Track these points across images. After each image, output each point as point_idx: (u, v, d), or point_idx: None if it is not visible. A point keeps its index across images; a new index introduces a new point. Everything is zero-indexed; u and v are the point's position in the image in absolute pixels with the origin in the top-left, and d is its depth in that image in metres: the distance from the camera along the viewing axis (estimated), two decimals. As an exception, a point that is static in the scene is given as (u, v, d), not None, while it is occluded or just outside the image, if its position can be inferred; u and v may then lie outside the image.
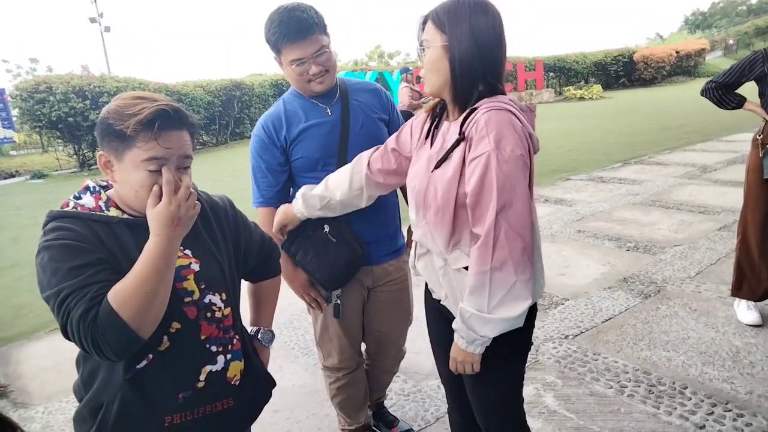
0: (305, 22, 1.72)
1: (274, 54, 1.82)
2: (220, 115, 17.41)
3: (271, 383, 1.48)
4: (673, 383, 2.53)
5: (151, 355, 1.19)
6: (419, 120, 1.56)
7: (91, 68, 20.30)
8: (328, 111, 1.88)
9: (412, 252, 1.65)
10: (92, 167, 14.81)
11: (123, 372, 1.17)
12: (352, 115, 1.91)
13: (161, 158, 1.14)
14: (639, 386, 2.53)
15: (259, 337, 1.51)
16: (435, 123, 1.48)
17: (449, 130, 1.39)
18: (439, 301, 1.55)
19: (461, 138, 1.31)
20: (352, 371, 2.10)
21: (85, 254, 1.11)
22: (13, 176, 14.54)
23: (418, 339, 3.19)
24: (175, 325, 1.20)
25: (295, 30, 1.72)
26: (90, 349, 1.06)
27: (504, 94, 1.37)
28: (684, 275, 3.80)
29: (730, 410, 2.31)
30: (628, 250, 4.42)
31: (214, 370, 1.27)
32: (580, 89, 23.61)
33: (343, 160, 1.87)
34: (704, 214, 5.20)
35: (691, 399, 2.40)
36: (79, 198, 1.22)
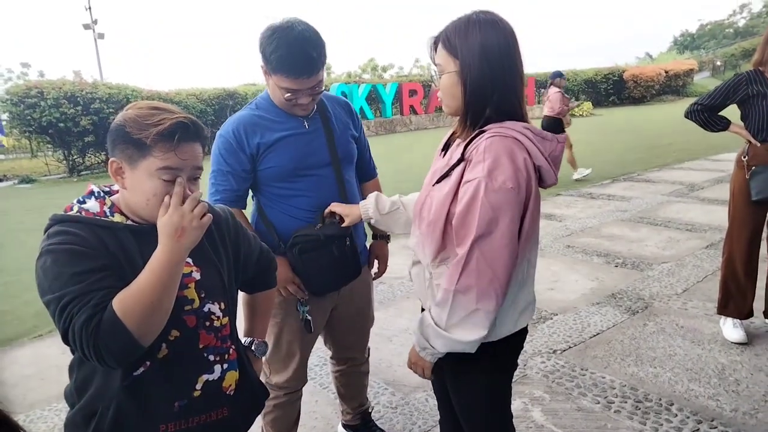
0: (313, 62, 1.67)
1: (263, 65, 1.74)
2: (213, 123, 17.38)
3: (265, 394, 1.48)
4: (660, 399, 2.54)
5: (149, 362, 1.18)
6: (447, 134, 1.57)
7: (83, 74, 20.18)
8: (305, 124, 1.85)
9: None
10: (82, 173, 14.71)
11: (120, 379, 1.16)
12: (333, 127, 1.91)
13: (176, 169, 1.15)
14: (626, 402, 2.54)
15: (253, 348, 1.51)
16: (451, 137, 1.49)
17: (457, 148, 1.40)
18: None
19: (461, 159, 1.32)
20: (295, 392, 2.07)
21: (89, 260, 1.10)
22: (1, 181, 14.39)
23: (406, 352, 3.18)
24: (174, 332, 1.20)
25: (300, 69, 1.67)
26: (90, 356, 1.06)
27: (520, 118, 1.35)
28: (671, 292, 3.83)
29: (715, 427, 2.32)
30: (616, 266, 4.46)
31: (210, 379, 1.27)
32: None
33: (336, 165, 1.88)
34: (691, 232, 5.26)
35: (677, 415, 2.42)
36: (84, 202, 1.22)
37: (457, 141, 1.42)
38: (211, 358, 1.27)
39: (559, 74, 8.21)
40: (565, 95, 8.14)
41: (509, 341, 1.44)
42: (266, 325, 1.64)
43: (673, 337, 3.16)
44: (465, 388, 1.50)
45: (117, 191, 1.26)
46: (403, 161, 11.36)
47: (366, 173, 2.15)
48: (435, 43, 1.39)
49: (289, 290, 1.87)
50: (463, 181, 1.30)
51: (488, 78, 1.30)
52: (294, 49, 1.64)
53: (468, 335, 1.30)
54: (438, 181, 1.39)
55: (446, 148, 1.49)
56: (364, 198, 1.90)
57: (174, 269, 1.11)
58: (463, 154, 1.33)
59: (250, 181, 1.87)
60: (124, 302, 1.06)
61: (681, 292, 3.82)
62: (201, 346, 1.25)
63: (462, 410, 1.56)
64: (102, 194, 1.23)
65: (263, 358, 2.00)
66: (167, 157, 1.14)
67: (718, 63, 39.03)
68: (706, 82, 31.30)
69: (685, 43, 58.08)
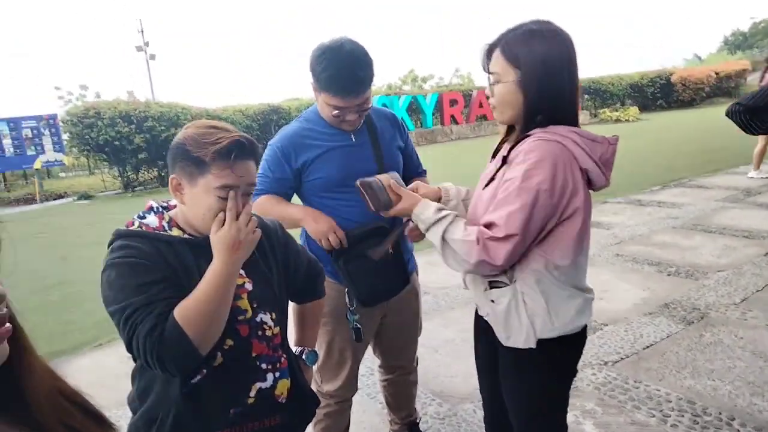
0: (361, 83, 1.72)
1: (313, 82, 1.80)
2: (258, 138, 17.81)
3: (316, 402, 1.52)
4: (720, 414, 2.45)
5: (205, 371, 1.23)
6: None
7: (136, 94, 21.11)
8: (352, 137, 1.90)
9: None
10: (135, 189, 15.33)
11: (179, 386, 1.22)
12: (380, 139, 1.95)
13: (232, 186, 1.21)
14: (683, 416, 2.46)
15: (303, 357, 1.55)
16: (500, 144, 1.53)
17: (506, 152, 1.43)
18: (483, 317, 1.57)
19: (503, 162, 1.37)
20: (345, 400, 2.10)
21: (150, 272, 1.17)
22: (61, 197, 15.17)
23: (454, 363, 3.18)
24: (229, 342, 1.25)
25: (349, 89, 1.72)
26: (153, 364, 1.12)
27: (572, 123, 1.37)
28: (729, 302, 3.68)
29: (781, 443, 2.21)
30: (668, 275, 4.31)
31: (263, 387, 1.31)
32: (616, 111, 23.26)
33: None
34: (749, 239, 5.03)
35: (739, 431, 2.32)
36: (144, 218, 1.29)
37: (505, 146, 1.46)
38: (264, 366, 1.31)
39: None
40: None
41: (565, 342, 1.43)
42: (316, 334, 1.68)
43: (732, 348, 3.04)
44: (518, 387, 1.51)
45: (174, 206, 1.33)
46: (448, 171, 11.33)
47: (414, 174, 2.16)
48: (489, 52, 1.40)
49: (330, 241, 1.82)
50: (502, 180, 1.34)
51: (547, 89, 1.33)
52: (343, 70, 1.69)
53: (456, 248, 1.36)
54: (485, 186, 1.43)
55: (495, 154, 1.53)
56: None
57: (230, 280, 1.17)
58: (505, 156, 1.37)
59: (292, 191, 1.94)
60: (185, 312, 1.12)
61: (739, 302, 3.66)
62: (254, 355, 1.30)
63: (513, 412, 1.56)
64: (161, 209, 1.31)
65: (314, 367, 2.05)
66: (224, 174, 1.19)
67: (773, 62, 37.22)
68: (761, 83, 29.89)
69: (737, 43, 55.71)
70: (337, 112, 1.79)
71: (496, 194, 1.35)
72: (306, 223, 1.86)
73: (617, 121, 22.11)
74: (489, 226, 1.32)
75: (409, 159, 2.11)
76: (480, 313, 1.60)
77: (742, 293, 3.81)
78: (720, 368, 2.84)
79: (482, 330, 1.63)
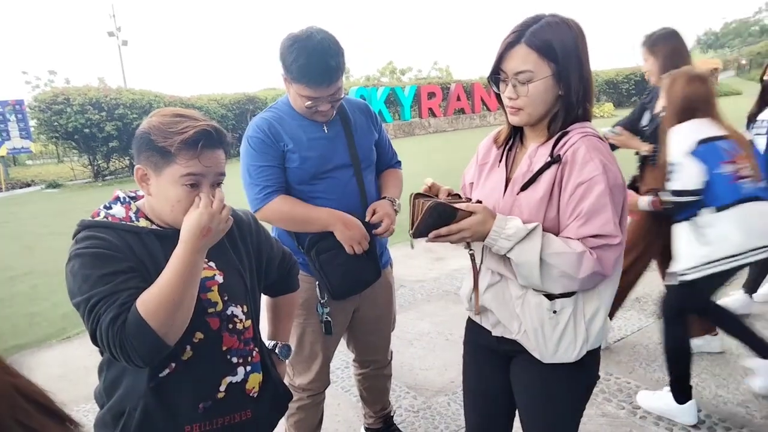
0: (332, 71, 1.70)
1: (283, 74, 1.78)
2: (233, 128, 17.60)
3: (288, 396, 1.50)
4: (687, 405, 2.50)
5: (173, 364, 1.21)
6: (485, 145, 1.52)
7: (107, 81, 20.57)
8: (325, 129, 1.87)
9: (468, 285, 1.52)
10: (106, 178, 15.00)
11: (147, 380, 1.19)
12: (353, 131, 1.93)
13: (199, 175, 1.18)
14: (652, 408, 2.50)
15: (276, 351, 1.53)
16: (508, 147, 1.44)
17: (536, 153, 1.34)
18: (498, 337, 1.46)
19: (554, 160, 1.28)
20: (318, 394, 2.09)
21: (115, 262, 1.13)
22: (28, 185, 14.76)
23: (428, 355, 3.18)
24: (198, 335, 1.23)
25: (320, 78, 1.70)
26: (118, 355, 1.09)
27: (590, 117, 1.36)
28: (697, 296, 3.76)
29: (745, 434, 2.27)
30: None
31: (234, 381, 1.29)
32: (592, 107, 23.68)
33: (357, 168, 1.90)
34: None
35: (704, 422, 2.37)
36: (110, 208, 1.25)
37: (532, 146, 1.36)
38: (235, 360, 1.29)
39: None
40: None
41: (597, 353, 1.43)
42: (289, 328, 1.66)
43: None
44: (555, 398, 1.44)
45: (142, 196, 1.29)
46: (425, 165, 11.34)
47: (387, 166, 2.14)
48: (503, 52, 1.30)
49: (361, 246, 1.84)
50: (575, 182, 1.25)
51: (584, 79, 1.30)
52: (314, 60, 1.67)
53: (551, 281, 1.26)
54: (524, 188, 1.32)
55: (503, 159, 1.43)
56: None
57: (195, 267, 1.13)
58: (552, 156, 1.29)
59: (284, 176, 1.86)
60: (146, 302, 1.08)
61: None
62: (224, 348, 1.27)
63: (540, 422, 1.49)
64: (127, 200, 1.27)
65: (287, 361, 2.03)
66: (191, 164, 1.16)
67: (744, 62, 38.24)
68: (731, 82, 30.70)
69: (709, 42, 57.03)
70: (309, 102, 1.76)
71: (549, 194, 1.28)
72: (336, 228, 1.82)
73: (593, 116, 22.48)
74: (593, 237, 1.24)
75: (383, 150, 2.09)
76: (501, 333, 1.45)
77: (709, 287, 3.89)
78: (688, 361, 2.90)
79: (485, 348, 1.53)
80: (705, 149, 2.21)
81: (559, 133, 1.31)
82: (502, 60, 1.31)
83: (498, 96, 1.38)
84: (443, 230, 1.29)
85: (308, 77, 1.69)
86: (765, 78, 3.30)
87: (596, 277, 1.25)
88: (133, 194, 1.31)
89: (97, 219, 1.22)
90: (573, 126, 1.31)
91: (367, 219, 1.88)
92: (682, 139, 2.25)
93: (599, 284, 1.33)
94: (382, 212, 1.89)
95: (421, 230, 1.29)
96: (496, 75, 1.33)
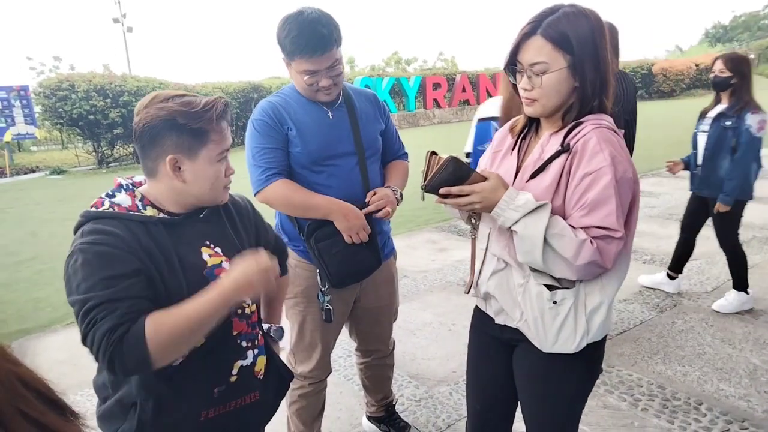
0: (325, 39, 1.70)
1: (283, 57, 1.79)
2: (238, 116, 17.59)
3: (290, 376, 1.52)
4: (688, 398, 2.50)
5: (187, 352, 1.19)
6: (501, 133, 1.52)
7: (112, 67, 20.54)
8: (330, 114, 1.87)
9: (476, 273, 1.51)
10: (110, 164, 15.01)
11: (160, 370, 1.15)
12: (359, 118, 1.92)
13: (226, 149, 1.21)
14: (653, 400, 2.51)
15: (271, 333, 1.54)
16: (523, 135, 1.44)
17: (549, 141, 1.34)
18: (502, 325, 1.47)
19: (564, 149, 1.27)
20: (319, 382, 2.09)
21: (119, 264, 1.08)
22: (33, 171, 14.78)
23: (430, 346, 3.19)
24: None
25: (313, 46, 1.69)
26: (102, 363, 1.06)
27: (608, 110, 1.34)
28: (701, 290, 3.76)
29: (746, 428, 2.28)
30: (644, 263, 4.39)
31: (244, 364, 1.30)
32: (598, 100, 23.53)
33: (361, 156, 1.89)
34: (722, 229, 5.13)
35: (706, 415, 2.37)
36: (113, 196, 1.20)
37: (545, 135, 1.36)
38: (244, 344, 1.30)
39: None
40: None
41: (601, 346, 1.43)
42: (281, 311, 1.66)
43: (702, 335, 3.11)
44: (553, 393, 1.45)
45: (140, 183, 1.26)
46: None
47: (396, 157, 2.12)
48: (519, 43, 1.29)
49: (359, 236, 1.83)
50: (582, 172, 1.25)
51: (601, 70, 1.28)
52: (305, 29, 1.68)
53: (558, 248, 1.24)
54: (533, 176, 1.33)
55: (516, 148, 1.43)
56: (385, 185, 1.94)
57: (221, 313, 1.12)
58: (563, 145, 1.28)
59: (288, 159, 1.85)
60: (158, 327, 1.05)
61: (711, 290, 3.74)
62: (234, 333, 1.28)
63: (541, 417, 1.50)
64: (131, 187, 1.23)
65: (287, 348, 2.03)
66: (222, 138, 1.19)
67: (752, 56, 37.85)
68: (738, 76, 30.39)
69: (718, 36, 56.46)
70: (308, 77, 1.75)
71: (557, 182, 1.28)
72: (335, 218, 1.81)
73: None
74: (592, 227, 1.24)
75: (389, 141, 2.07)
76: (503, 321, 1.46)
77: (714, 282, 3.89)
78: (690, 354, 2.90)
79: (490, 336, 1.54)
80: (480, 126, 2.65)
81: (573, 123, 1.30)
82: (518, 51, 1.30)
83: (515, 86, 1.37)
84: (455, 189, 1.29)
85: (301, 47, 1.70)
86: (711, 75, 3.25)
87: (594, 267, 1.25)
88: (132, 181, 1.26)
89: (101, 210, 1.16)
90: (587, 117, 1.30)
91: (366, 200, 1.87)
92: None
93: (603, 278, 1.32)
94: (381, 194, 1.88)
95: (434, 184, 1.29)
96: (513, 65, 1.33)
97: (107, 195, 1.20)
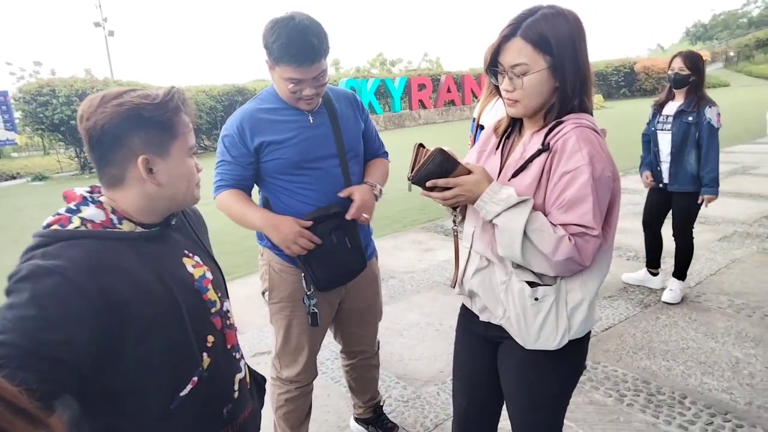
0: (315, 49, 1.66)
1: (268, 60, 1.75)
2: (222, 119, 17.49)
3: (262, 377, 1.46)
4: (673, 393, 2.53)
5: (195, 378, 1.10)
6: (485, 134, 1.54)
7: (94, 72, 20.30)
8: (310, 119, 1.84)
9: (460, 271, 1.52)
10: (92, 170, 14.80)
11: (162, 405, 1.06)
12: (339, 121, 1.90)
13: (195, 143, 1.13)
14: (638, 395, 2.53)
15: None
16: (506, 135, 1.45)
17: (530, 140, 1.36)
18: (486, 323, 1.48)
19: (544, 148, 1.29)
20: (306, 385, 2.08)
21: (67, 327, 0.88)
22: (14, 178, 14.58)
23: (417, 346, 3.19)
24: (210, 338, 1.15)
25: (302, 56, 1.66)
26: None
27: (590, 109, 1.35)
28: (683, 285, 3.80)
29: (729, 420, 2.31)
30: (628, 260, 4.43)
31: (240, 377, 1.24)
32: (581, 99, 23.77)
33: (342, 159, 1.88)
34: (704, 225, 5.20)
35: (690, 409, 2.40)
36: (79, 211, 1.01)
37: (527, 134, 1.38)
38: (237, 356, 1.24)
39: None
40: None
41: (584, 342, 1.44)
42: None
43: (686, 330, 3.14)
44: (537, 389, 1.46)
45: (99, 190, 1.09)
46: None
47: (374, 156, 2.11)
48: (499, 44, 1.30)
49: (300, 245, 1.76)
50: (559, 172, 1.26)
51: (580, 70, 1.29)
52: (295, 38, 1.64)
53: (537, 242, 1.25)
54: (515, 175, 1.34)
55: (500, 148, 1.45)
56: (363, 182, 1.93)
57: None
58: (544, 144, 1.29)
59: (253, 170, 1.86)
60: None
61: (694, 285, 3.79)
62: (229, 346, 1.21)
63: (524, 412, 1.51)
64: (96, 198, 1.05)
65: (273, 353, 2.02)
66: (189, 129, 1.09)
67: (732, 54, 38.51)
68: (719, 73, 30.92)
69: (698, 34, 57.32)
70: (293, 86, 1.72)
71: (537, 181, 1.29)
72: (267, 232, 1.80)
73: (582, 108, 22.56)
74: (570, 224, 1.25)
75: (369, 140, 2.06)
76: (484, 318, 1.48)
77: (696, 277, 3.94)
78: (674, 349, 2.93)
79: (475, 334, 1.55)
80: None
81: (554, 123, 1.32)
82: (499, 52, 1.32)
83: (497, 87, 1.39)
84: (441, 181, 1.31)
85: (290, 55, 1.66)
86: (669, 72, 3.35)
87: (572, 264, 1.27)
88: (90, 190, 1.09)
89: (70, 228, 0.97)
90: (568, 116, 1.31)
91: (342, 195, 1.85)
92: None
93: (584, 275, 1.34)
94: (359, 200, 1.84)
95: (421, 175, 1.31)
96: (494, 67, 1.34)
97: (69, 210, 1.01)
